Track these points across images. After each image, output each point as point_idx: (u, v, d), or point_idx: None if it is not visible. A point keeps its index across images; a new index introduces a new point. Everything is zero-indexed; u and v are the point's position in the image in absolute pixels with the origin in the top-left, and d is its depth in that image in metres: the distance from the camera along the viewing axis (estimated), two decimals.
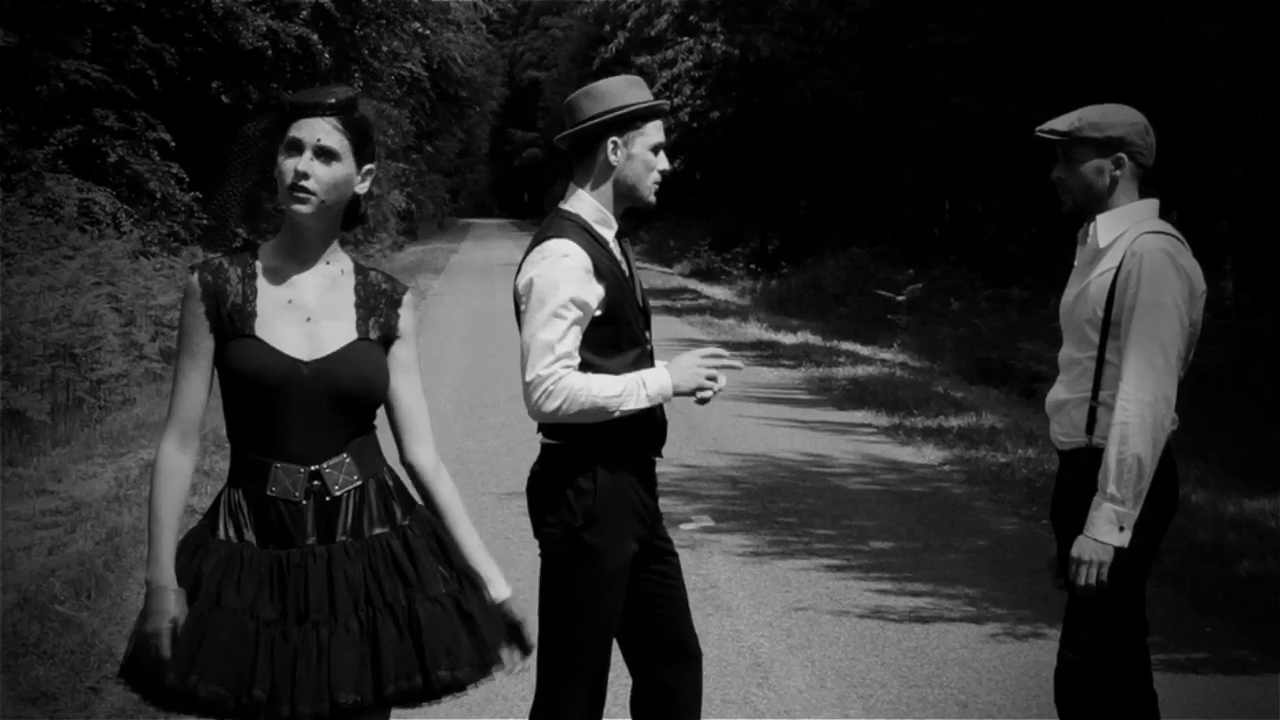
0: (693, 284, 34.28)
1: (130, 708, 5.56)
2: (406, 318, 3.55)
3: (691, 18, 33.10)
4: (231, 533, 3.40)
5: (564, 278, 4.13)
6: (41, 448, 11.04)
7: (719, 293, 31.82)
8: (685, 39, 32.99)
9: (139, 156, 19.72)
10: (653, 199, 4.35)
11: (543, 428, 4.25)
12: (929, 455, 11.96)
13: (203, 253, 19.50)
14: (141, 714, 5.31)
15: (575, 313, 4.13)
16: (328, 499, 3.40)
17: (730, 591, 7.72)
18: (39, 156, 17.62)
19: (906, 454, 12.07)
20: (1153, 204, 4.42)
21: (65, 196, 17.36)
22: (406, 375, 3.55)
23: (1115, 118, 4.35)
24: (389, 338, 3.52)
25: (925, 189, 31.41)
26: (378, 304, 3.51)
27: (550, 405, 4.08)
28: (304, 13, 22.09)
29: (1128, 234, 4.32)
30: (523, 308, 4.19)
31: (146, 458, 10.70)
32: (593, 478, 4.17)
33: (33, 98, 18.29)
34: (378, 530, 3.44)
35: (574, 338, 4.13)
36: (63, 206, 17.15)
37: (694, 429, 12.60)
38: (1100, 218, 4.38)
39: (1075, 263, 4.49)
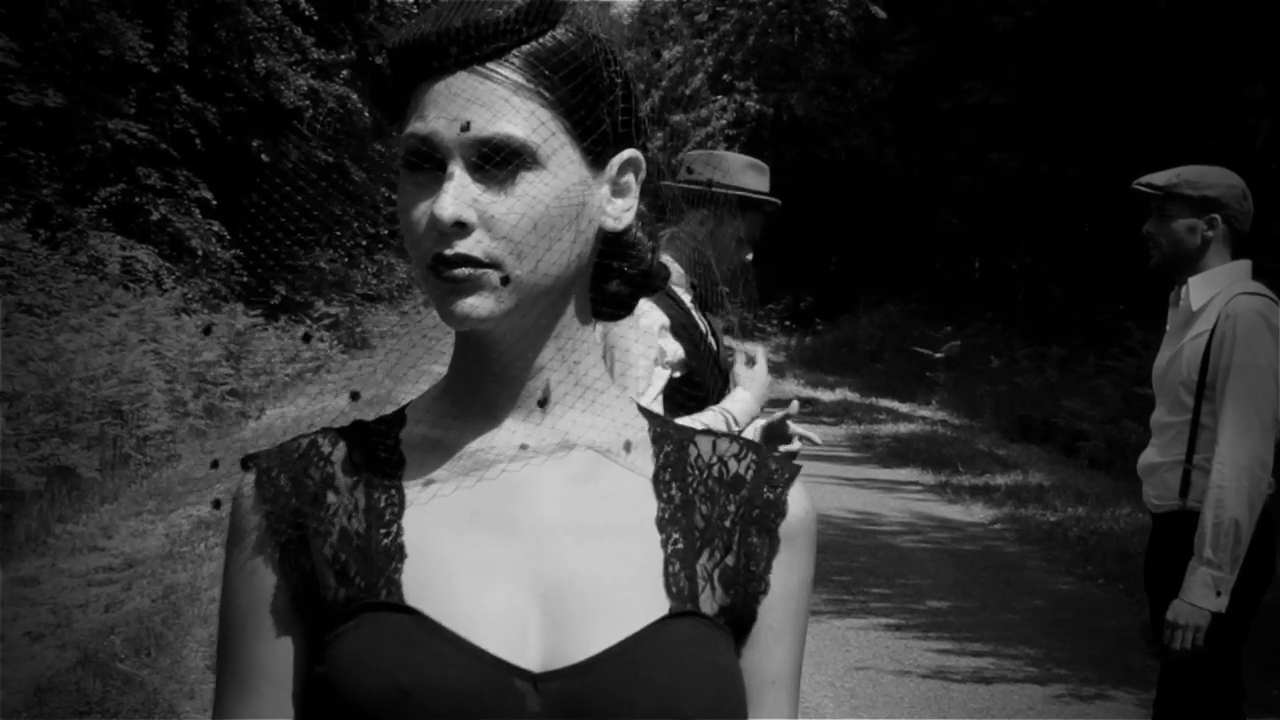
0: (726, 341, 34.21)
1: None
2: (797, 554, 1.40)
3: (725, 76, 33.33)
4: None
5: (636, 336, 4.10)
6: (90, 504, 11.04)
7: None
8: (719, 97, 33.13)
9: (180, 215, 19.91)
10: (723, 285, 4.30)
11: None
12: (978, 514, 11.91)
13: (244, 312, 19.44)
14: None
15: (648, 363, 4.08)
16: None
17: None
18: (83, 215, 17.78)
19: (955, 512, 12.01)
20: (1245, 265, 4.38)
21: (109, 254, 17.54)
22: (774, 694, 1.40)
23: (1213, 179, 4.32)
24: (747, 611, 1.37)
25: (957, 246, 31.43)
26: (719, 514, 1.39)
27: None
28: (344, 72, 22.29)
29: (1220, 296, 4.29)
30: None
31: (196, 514, 10.70)
32: None
33: (78, 156, 18.47)
34: None
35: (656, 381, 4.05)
36: (106, 264, 17.31)
37: None
38: (1192, 280, 4.34)
39: (1168, 326, 4.46)
